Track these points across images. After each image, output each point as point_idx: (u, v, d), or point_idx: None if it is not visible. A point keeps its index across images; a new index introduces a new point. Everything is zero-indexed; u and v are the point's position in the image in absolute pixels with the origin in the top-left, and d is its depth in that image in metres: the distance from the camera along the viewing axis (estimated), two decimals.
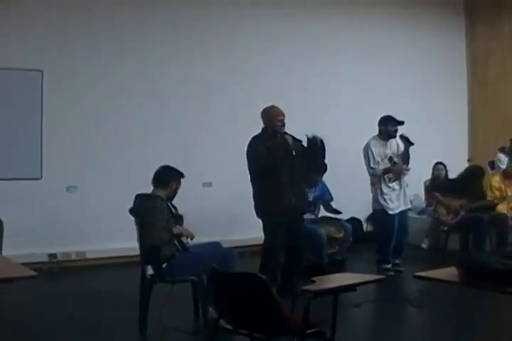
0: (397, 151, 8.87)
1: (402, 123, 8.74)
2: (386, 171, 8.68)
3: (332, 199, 9.35)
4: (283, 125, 7.17)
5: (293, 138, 7.14)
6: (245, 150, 7.20)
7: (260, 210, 7.23)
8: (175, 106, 10.25)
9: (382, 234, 9.03)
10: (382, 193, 8.75)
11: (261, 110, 7.38)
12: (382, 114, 8.93)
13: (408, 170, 8.79)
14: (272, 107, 7.32)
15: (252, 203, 7.31)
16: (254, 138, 7.24)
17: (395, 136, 8.85)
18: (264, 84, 10.64)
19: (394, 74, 12.38)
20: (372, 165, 8.68)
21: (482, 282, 3.59)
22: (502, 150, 10.95)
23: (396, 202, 8.80)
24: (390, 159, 8.81)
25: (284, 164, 7.08)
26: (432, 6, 12.85)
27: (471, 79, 13.97)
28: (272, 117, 7.19)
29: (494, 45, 13.49)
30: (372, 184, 8.83)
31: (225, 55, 10.61)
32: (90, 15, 9.57)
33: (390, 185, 8.77)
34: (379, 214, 9.00)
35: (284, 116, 7.21)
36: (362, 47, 12.08)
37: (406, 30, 12.75)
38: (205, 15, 10.43)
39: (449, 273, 3.87)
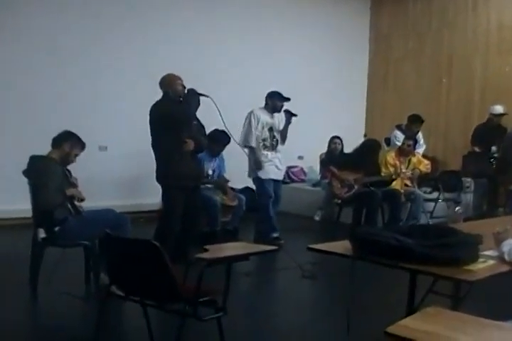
0: (278, 127, 8.99)
1: (288, 99, 8.86)
2: (253, 152, 8.84)
3: (225, 172, 9.43)
4: (183, 87, 7.15)
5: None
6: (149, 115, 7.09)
7: (162, 174, 7.16)
8: (72, 73, 10.07)
9: (261, 199, 8.96)
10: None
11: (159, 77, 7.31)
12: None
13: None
14: (169, 74, 7.28)
15: (152, 168, 7.23)
16: (162, 101, 7.17)
17: (280, 111, 8.94)
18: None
19: (295, 49, 12.48)
20: (252, 130, 8.77)
21: (375, 256, 3.64)
22: (399, 127, 11.16)
23: (271, 168, 8.92)
24: (271, 129, 8.93)
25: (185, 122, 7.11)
26: None
27: (373, 57, 14.20)
28: (172, 81, 7.16)
29: (398, 25, 13.73)
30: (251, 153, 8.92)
31: None
32: None
33: (265, 153, 8.89)
34: (256, 182, 9.05)
35: (181, 79, 7.19)
36: (267, 22, 12.12)
37: (311, 6, 12.82)
38: None
39: (342, 246, 3.90)
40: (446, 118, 12.85)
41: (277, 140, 9.00)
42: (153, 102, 7.14)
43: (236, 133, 8.47)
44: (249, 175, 9.08)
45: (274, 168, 8.95)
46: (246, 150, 8.82)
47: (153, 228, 7.22)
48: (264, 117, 8.87)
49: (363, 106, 14.27)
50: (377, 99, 14.16)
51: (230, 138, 8.68)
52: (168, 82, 7.18)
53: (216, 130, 8.71)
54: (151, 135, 7.08)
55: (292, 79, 11.58)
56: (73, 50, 10.03)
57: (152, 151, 7.15)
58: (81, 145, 6.41)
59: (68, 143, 6.32)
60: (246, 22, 11.98)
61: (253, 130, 8.78)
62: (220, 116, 6.85)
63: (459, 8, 12.83)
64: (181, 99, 7.06)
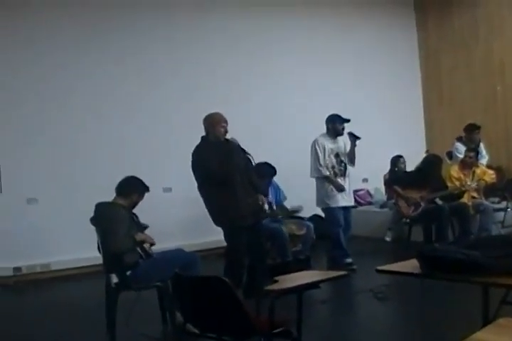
0: (344, 150, 8.94)
1: (348, 120, 8.80)
2: (329, 180, 8.77)
3: (285, 199, 9.46)
4: (226, 132, 7.07)
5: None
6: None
7: (219, 218, 7.09)
8: (138, 117, 10.29)
9: (331, 227, 8.96)
10: (327, 189, 8.82)
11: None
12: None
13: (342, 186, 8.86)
14: (215, 114, 7.16)
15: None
16: (200, 146, 7.09)
17: (342, 134, 8.88)
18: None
19: (347, 72, 12.52)
20: (321, 161, 8.73)
21: (442, 273, 3.61)
22: (459, 139, 11.05)
23: (342, 196, 8.86)
24: (337, 155, 8.87)
25: (236, 170, 6.97)
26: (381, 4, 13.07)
27: (424, 73, 14.14)
28: (216, 123, 7.05)
29: (445, 38, 13.68)
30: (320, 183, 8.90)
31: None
32: None
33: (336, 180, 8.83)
34: (326, 211, 9.05)
35: (226, 122, 7.09)
36: (314, 47, 12.19)
37: (356, 28, 12.87)
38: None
39: (411, 265, 3.88)
40: (506, 125, 12.69)
41: (345, 164, 8.94)
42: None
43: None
44: (318, 205, 9.07)
45: (343, 194, 8.89)
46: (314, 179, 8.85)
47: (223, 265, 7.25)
48: (328, 144, 8.82)
49: (422, 122, 14.19)
50: (434, 114, 14.07)
51: (275, 169, 8.73)
52: (212, 124, 7.07)
53: (259, 164, 8.58)
54: (197, 180, 7.02)
55: (348, 101, 11.58)
56: (138, 95, 10.27)
57: (200, 194, 7.09)
58: (146, 191, 6.51)
59: (136, 193, 6.42)
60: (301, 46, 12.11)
61: (321, 159, 8.73)
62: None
63: (504, 14, 12.71)
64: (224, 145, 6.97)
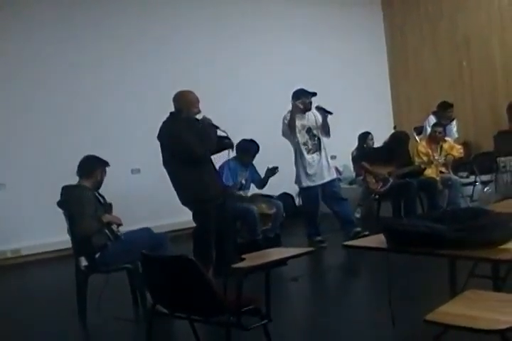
0: (316, 123, 8.88)
1: (314, 94, 8.72)
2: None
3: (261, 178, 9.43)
4: (199, 112, 7.00)
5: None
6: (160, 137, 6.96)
7: (186, 196, 7.01)
8: (87, 98, 10.11)
9: (306, 206, 9.13)
10: (303, 167, 8.83)
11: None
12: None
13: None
14: (190, 93, 7.04)
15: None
16: (172, 122, 6.97)
17: (310, 109, 8.83)
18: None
19: (313, 49, 12.49)
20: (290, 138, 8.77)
21: (408, 246, 3.63)
22: (435, 113, 11.08)
23: (318, 173, 8.88)
24: (309, 130, 8.85)
25: (209, 148, 6.95)
26: None
27: (390, 49, 14.14)
28: (191, 104, 6.95)
29: (410, 14, 13.67)
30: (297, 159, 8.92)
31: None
32: None
33: (310, 156, 8.85)
34: (303, 190, 9.11)
35: (199, 102, 7.02)
36: (280, 24, 12.17)
37: (322, 6, 12.83)
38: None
39: (378, 240, 3.90)
40: (472, 100, 12.72)
41: (319, 139, 8.91)
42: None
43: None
44: (296, 183, 9.12)
45: (321, 171, 8.90)
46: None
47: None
48: (297, 120, 8.74)
49: (389, 98, 14.20)
50: (401, 90, 14.07)
51: (258, 147, 8.71)
52: (187, 104, 6.94)
53: (244, 140, 8.71)
54: (163, 155, 6.96)
55: (314, 78, 11.48)
56: (101, 73, 10.20)
57: (167, 170, 7.02)
58: (107, 165, 6.45)
59: (99, 170, 6.38)
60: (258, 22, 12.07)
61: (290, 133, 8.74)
62: None
63: None
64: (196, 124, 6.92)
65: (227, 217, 7.35)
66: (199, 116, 7.00)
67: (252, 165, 9.12)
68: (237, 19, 11.72)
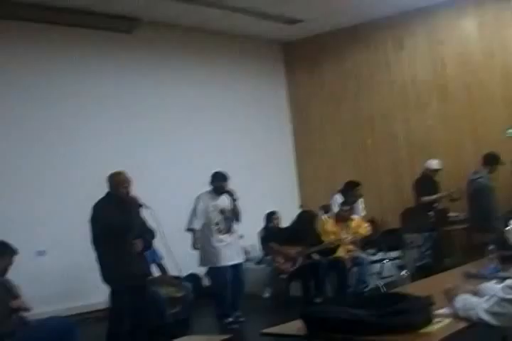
0: (228, 206, 8.95)
1: (227, 178, 8.94)
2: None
3: (162, 258, 9.32)
4: (128, 192, 7.29)
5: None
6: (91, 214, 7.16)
7: (108, 274, 7.12)
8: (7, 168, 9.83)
9: (215, 287, 9.05)
10: (211, 247, 8.80)
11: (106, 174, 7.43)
12: (212, 171, 9.07)
13: None
14: (119, 174, 7.39)
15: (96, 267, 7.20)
16: (102, 202, 7.24)
17: (224, 192, 8.94)
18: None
19: (220, 131, 12.51)
20: (197, 214, 8.79)
21: (327, 333, 3.54)
22: (341, 192, 11.16)
23: (228, 253, 8.85)
24: (222, 212, 8.90)
25: (132, 229, 7.12)
26: (250, 58, 13.24)
27: (295, 127, 14.26)
28: (118, 184, 7.27)
29: (315, 93, 13.86)
30: (198, 239, 8.89)
31: None
32: None
33: (221, 237, 8.84)
34: (211, 270, 9.07)
35: (129, 183, 7.32)
36: (190, 105, 12.18)
37: (226, 85, 12.90)
38: None
39: (295, 326, 3.80)
40: (377, 178, 12.88)
41: (230, 221, 8.95)
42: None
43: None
44: (202, 264, 9.08)
45: (231, 252, 8.89)
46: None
47: (102, 326, 7.06)
48: (211, 201, 8.87)
49: (294, 177, 14.25)
50: (306, 170, 14.13)
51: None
52: (115, 185, 7.29)
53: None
54: (93, 234, 7.08)
55: (222, 159, 11.49)
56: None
57: (93, 248, 7.13)
58: (14, 254, 6.28)
59: (7, 256, 6.20)
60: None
61: (198, 213, 8.77)
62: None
63: (372, 66, 13.04)
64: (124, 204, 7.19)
65: (145, 302, 7.37)
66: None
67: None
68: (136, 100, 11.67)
